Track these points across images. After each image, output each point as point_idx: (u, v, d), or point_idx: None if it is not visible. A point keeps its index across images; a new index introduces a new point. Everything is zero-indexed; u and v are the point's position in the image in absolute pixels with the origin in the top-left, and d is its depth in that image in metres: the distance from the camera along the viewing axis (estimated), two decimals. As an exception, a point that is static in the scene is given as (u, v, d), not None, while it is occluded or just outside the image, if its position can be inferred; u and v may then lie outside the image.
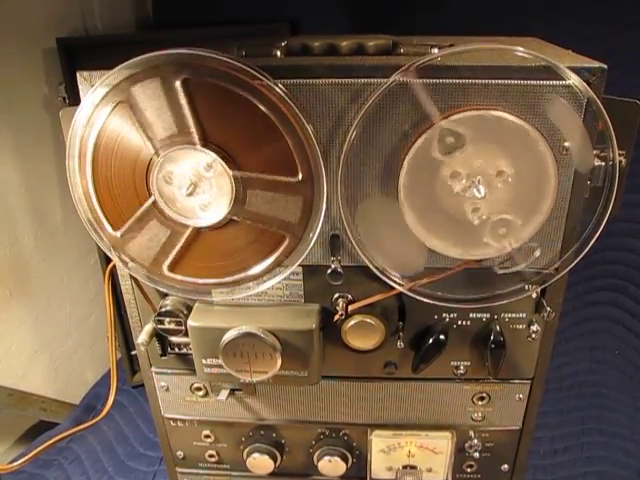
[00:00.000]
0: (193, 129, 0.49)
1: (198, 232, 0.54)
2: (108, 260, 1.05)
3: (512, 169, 0.50)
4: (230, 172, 0.51)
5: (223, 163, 0.50)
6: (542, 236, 0.55)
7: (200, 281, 0.56)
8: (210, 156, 0.50)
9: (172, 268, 0.56)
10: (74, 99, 1.00)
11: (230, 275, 0.55)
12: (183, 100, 0.49)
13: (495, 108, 0.49)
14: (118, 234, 0.54)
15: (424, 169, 0.50)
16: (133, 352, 1.13)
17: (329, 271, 0.56)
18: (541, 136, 0.49)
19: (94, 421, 0.78)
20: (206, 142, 0.50)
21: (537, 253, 0.55)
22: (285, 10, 1.16)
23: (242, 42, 0.62)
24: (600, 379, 1.13)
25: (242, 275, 0.55)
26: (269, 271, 0.55)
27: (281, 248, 0.54)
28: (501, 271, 0.56)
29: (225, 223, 0.53)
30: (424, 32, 0.71)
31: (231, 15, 1.18)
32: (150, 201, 0.52)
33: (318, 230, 0.53)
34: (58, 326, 1.09)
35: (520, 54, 0.48)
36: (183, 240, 0.54)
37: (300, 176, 0.51)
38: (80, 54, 1.00)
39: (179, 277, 0.56)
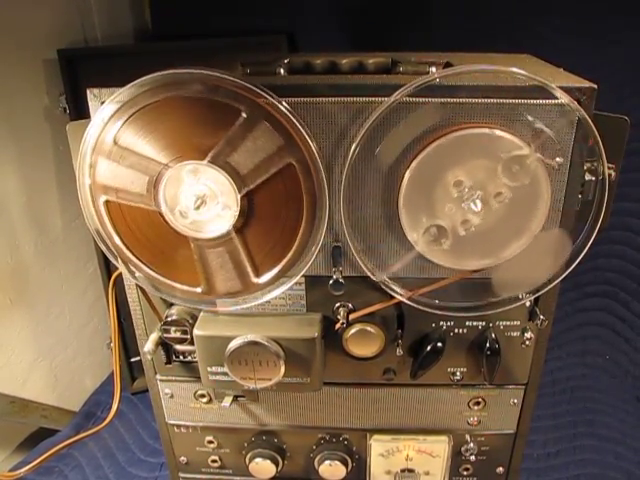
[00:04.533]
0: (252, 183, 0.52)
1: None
2: (108, 268, 1.08)
3: (507, 188, 0.52)
4: (235, 235, 0.53)
5: (237, 218, 0.52)
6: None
7: (183, 288, 0.57)
8: (235, 205, 0.52)
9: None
10: (75, 110, 1.01)
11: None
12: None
13: (489, 126, 0.51)
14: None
15: (424, 183, 0.52)
16: (133, 359, 1.14)
17: (331, 281, 0.58)
18: (534, 153, 0.52)
19: (97, 428, 0.80)
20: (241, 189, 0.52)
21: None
22: (282, 22, 1.18)
23: (244, 58, 0.64)
24: (592, 384, 1.15)
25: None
26: (273, 282, 0.57)
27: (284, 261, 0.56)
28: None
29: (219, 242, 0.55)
30: (419, 43, 0.73)
31: (229, 27, 1.19)
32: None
33: (321, 242, 0.55)
34: (58, 333, 1.10)
35: (514, 74, 0.50)
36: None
37: (262, 279, 0.56)
38: (81, 65, 1.02)
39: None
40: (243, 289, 0.56)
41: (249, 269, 0.55)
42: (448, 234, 0.54)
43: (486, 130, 0.51)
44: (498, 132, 0.51)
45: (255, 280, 0.56)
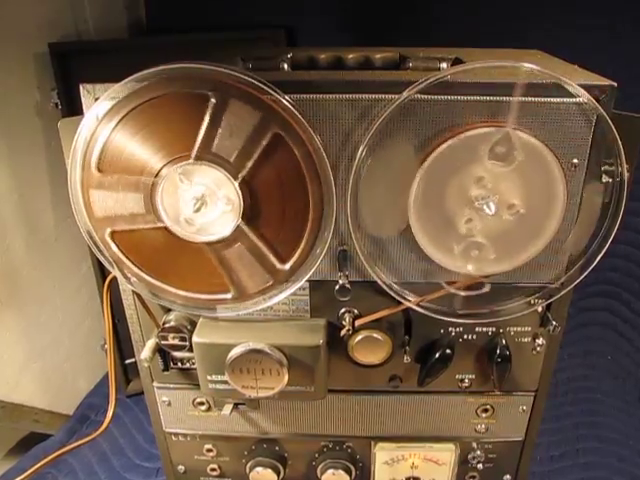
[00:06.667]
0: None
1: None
2: (102, 268, 1.05)
3: (523, 194, 0.50)
4: (246, 228, 0.51)
5: (242, 208, 0.50)
6: (549, 251, 0.55)
7: (209, 297, 0.55)
8: (235, 195, 0.50)
9: None
10: (67, 105, 0.99)
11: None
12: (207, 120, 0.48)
13: (503, 124, 0.49)
14: None
15: (435, 183, 0.50)
16: (127, 361, 1.11)
17: (337, 287, 0.56)
18: (550, 152, 0.49)
19: (92, 437, 0.77)
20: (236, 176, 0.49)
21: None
22: (280, 17, 1.15)
23: (244, 53, 0.61)
24: (594, 385, 1.13)
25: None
26: (299, 266, 0.54)
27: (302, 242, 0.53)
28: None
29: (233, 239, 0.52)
30: (421, 39, 0.71)
31: (225, 21, 1.16)
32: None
33: (327, 245, 0.52)
34: (50, 335, 1.07)
35: (530, 70, 0.48)
36: None
37: (288, 265, 0.52)
38: (73, 59, 0.99)
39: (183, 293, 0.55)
40: (273, 280, 0.53)
41: (272, 258, 0.52)
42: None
43: (499, 129, 0.48)
44: (512, 131, 0.48)
45: (281, 267, 0.53)
